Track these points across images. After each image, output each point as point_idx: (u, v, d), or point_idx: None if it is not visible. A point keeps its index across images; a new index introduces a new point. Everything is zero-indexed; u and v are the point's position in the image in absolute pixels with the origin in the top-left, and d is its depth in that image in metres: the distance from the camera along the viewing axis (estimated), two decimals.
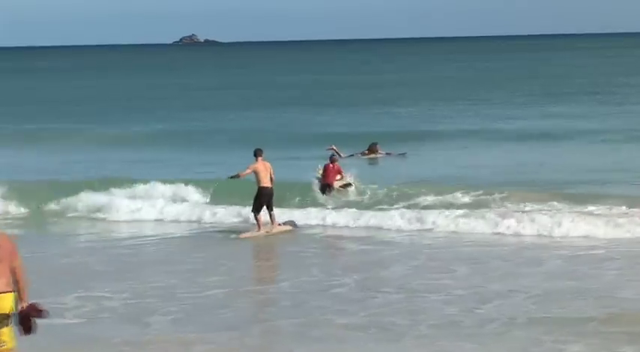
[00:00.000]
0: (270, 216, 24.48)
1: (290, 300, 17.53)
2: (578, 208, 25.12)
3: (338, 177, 28.77)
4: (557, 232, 23.16)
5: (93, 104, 70.89)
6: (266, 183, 24.27)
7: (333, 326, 15.68)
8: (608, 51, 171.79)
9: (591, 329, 15.10)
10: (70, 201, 28.46)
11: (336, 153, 33.28)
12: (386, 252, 22.13)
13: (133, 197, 28.60)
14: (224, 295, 18.01)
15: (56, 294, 17.50)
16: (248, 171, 24.56)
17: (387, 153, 37.95)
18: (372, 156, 37.78)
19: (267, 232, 24.37)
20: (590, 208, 25.02)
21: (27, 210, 28.60)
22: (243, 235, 24.31)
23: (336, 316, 16.20)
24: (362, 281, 18.86)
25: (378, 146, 38.09)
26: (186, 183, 29.52)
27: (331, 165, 28.84)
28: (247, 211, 25.23)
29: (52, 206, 28.66)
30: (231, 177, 25.40)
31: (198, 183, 29.57)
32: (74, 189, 29.19)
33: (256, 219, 24.44)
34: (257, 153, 24.43)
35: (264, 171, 24.28)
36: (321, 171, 29.00)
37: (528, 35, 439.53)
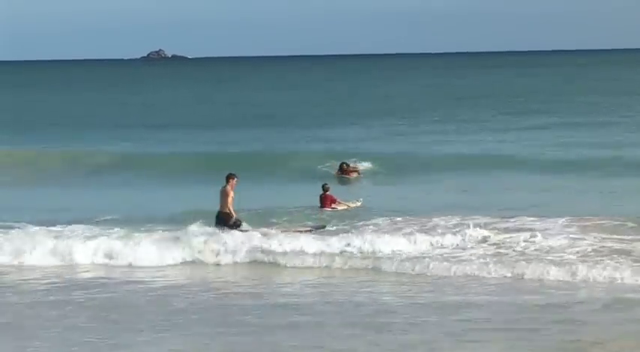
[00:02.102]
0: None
1: None
2: None
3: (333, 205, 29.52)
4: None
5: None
6: (220, 207, 25.40)
7: None
8: (607, 67, 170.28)
9: None
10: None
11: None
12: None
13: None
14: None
15: None
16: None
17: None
18: (343, 175, 37.94)
19: None
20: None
21: None
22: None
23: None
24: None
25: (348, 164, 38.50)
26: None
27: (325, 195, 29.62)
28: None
29: None
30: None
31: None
32: None
33: None
34: (226, 178, 25.56)
35: (222, 197, 25.35)
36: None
37: (533, 51, 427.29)
